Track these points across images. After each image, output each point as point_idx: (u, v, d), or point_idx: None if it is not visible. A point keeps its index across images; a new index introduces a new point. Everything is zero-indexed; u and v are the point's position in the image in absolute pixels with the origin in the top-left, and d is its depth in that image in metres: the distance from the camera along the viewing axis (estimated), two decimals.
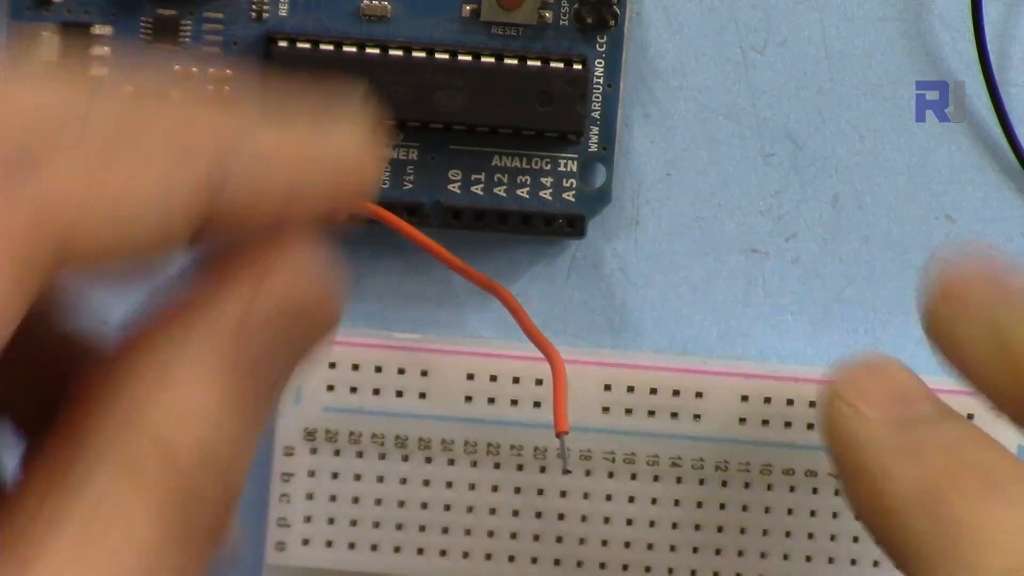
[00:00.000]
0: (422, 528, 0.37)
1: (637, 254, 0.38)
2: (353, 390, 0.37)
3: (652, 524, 0.37)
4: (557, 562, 0.37)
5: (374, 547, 0.37)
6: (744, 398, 0.37)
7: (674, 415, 0.37)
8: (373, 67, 0.36)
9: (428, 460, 0.37)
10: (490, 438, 0.37)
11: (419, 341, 0.37)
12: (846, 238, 0.38)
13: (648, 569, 0.37)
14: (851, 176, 0.38)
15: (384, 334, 0.37)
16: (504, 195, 0.37)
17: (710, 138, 0.38)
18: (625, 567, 0.37)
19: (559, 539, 0.37)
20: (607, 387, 0.37)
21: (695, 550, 0.37)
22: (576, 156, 0.37)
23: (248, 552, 0.37)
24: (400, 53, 0.36)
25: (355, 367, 0.37)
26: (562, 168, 0.37)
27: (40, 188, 0.21)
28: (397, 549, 0.37)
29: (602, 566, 0.37)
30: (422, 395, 0.37)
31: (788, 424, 0.37)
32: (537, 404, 0.37)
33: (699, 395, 0.37)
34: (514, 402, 0.37)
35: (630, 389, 0.37)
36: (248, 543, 0.37)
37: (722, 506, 0.37)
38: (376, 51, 0.36)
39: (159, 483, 0.22)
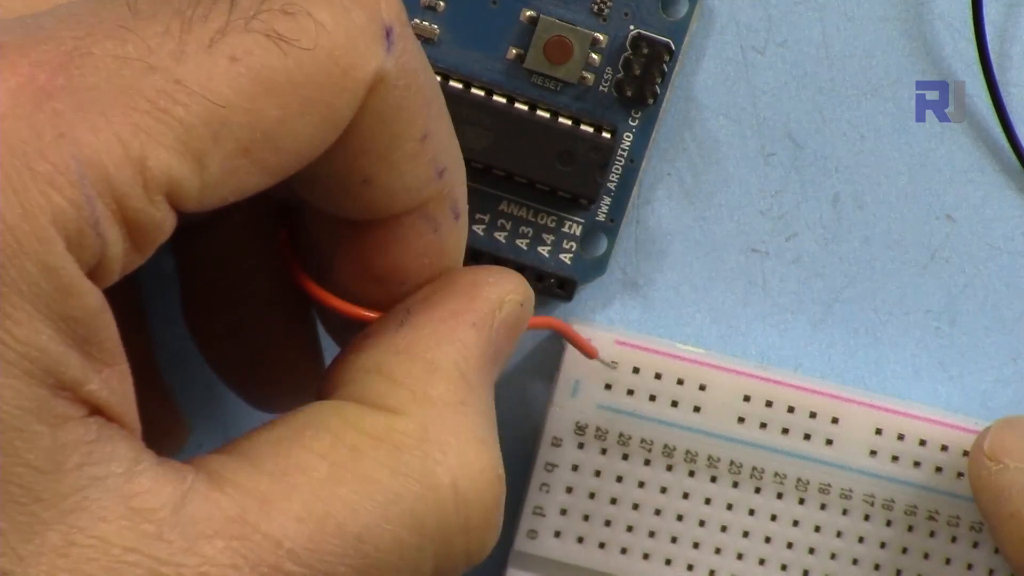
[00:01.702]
0: (673, 539, 0.37)
1: (637, 254, 0.38)
2: (630, 392, 0.37)
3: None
4: None
5: (624, 550, 0.37)
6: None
7: (807, 436, 0.37)
8: None
9: (691, 474, 0.37)
10: (755, 462, 0.37)
11: (702, 356, 0.37)
12: (846, 238, 0.38)
13: None
14: (851, 176, 0.38)
15: (669, 343, 0.37)
16: (503, 241, 0.37)
17: (710, 138, 0.38)
18: None
19: (806, 573, 0.38)
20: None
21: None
22: (583, 221, 0.37)
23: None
24: (437, 79, 0.36)
25: (635, 370, 0.37)
26: (566, 229, 0.37)
27: None
28: (646, 556, 0.37)
29: None
30: (696, 408, 0.37)
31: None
32: (807, 437, 0.37)
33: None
34: (785, 431, 0.37)
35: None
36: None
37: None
38: None
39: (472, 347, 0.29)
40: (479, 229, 0.37)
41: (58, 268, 0.24)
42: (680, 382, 0.37)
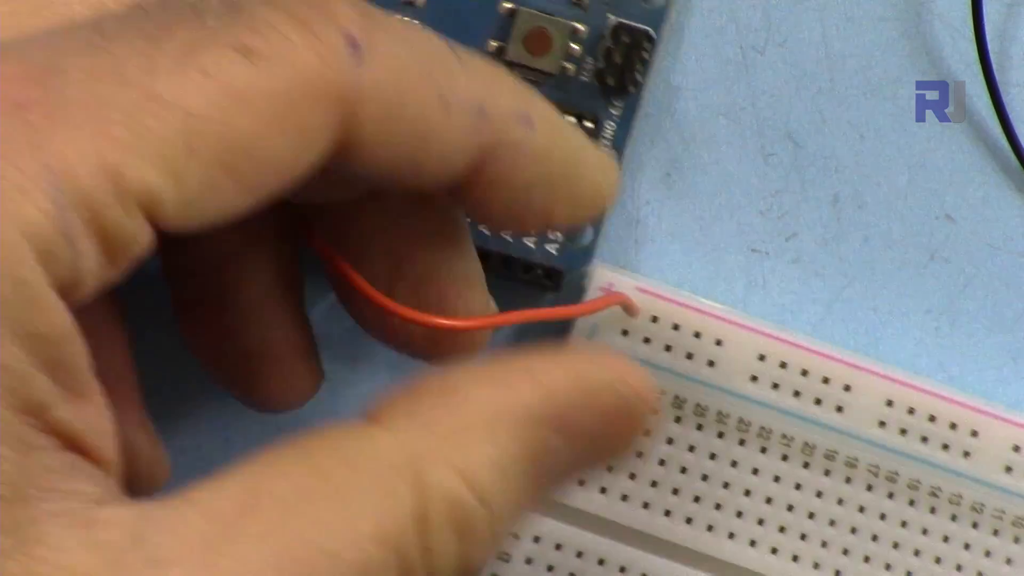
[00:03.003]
0: (675, 491, 0.37)
1: (638, 254, 0.38)
2: (646, 340, 0.37)
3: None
4: (795, 559, 0.37)
5: (624, 498, 0.37)
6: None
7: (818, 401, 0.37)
8: None
9: (699, 427, 0.37)
10: (764, 422, 0.37)
11: (722, 311, 0.37)
12: (846, 238, 0.38)
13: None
14: (851, 176, 0.38)
15: (690, 295, 0.37)
16: (488, 234, 0.37)
17: (710, 138, 0.38)
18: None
19: (824, 544, 0.37)
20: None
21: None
22: None
23: None
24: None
25: (654, 319, 0.37)
26: None
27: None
28: (646, 505, 0.37)
29: (816, 566, 0.37)
30: (711, 363, 0.37)
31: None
32: (818, 402, 0.37)
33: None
34: (796, 393, 0.37)
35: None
36: None
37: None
38: None
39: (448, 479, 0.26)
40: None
41: (27, 280, 0.23)
42: (697, 335, 0.37)
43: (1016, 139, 0.38)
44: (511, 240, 0.37)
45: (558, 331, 0.37)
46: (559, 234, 0.37)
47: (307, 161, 0.26)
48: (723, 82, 0.38)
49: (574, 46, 0.36)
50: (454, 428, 0.27)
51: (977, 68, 0.38)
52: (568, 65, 0.36)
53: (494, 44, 0.36)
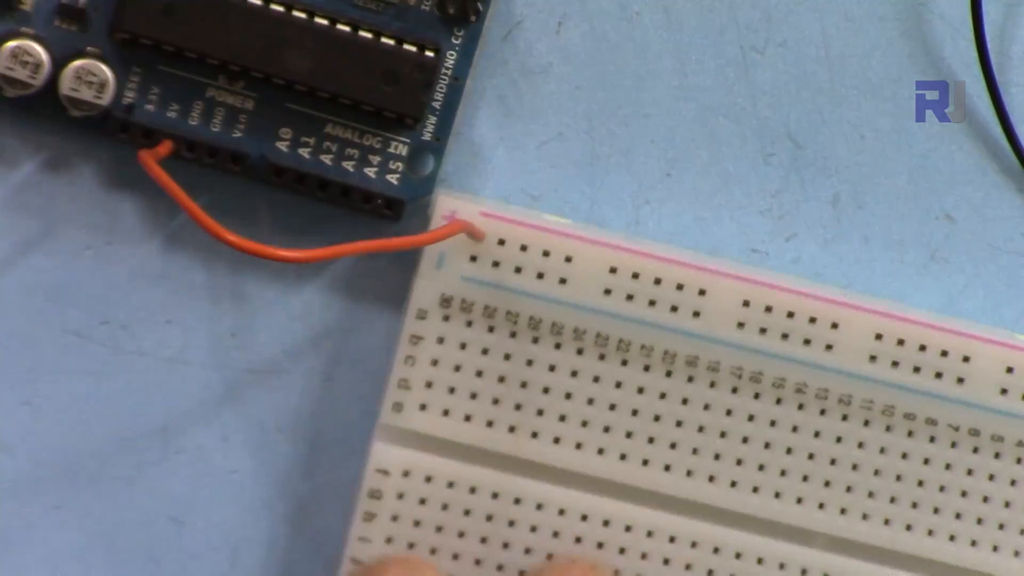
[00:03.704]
0: (540, 412, 0.37)
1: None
2: (495, 264, 0.37)
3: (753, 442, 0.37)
4: (667, 468, 0.37)
5: (490, 423, 0.37)
6: (878, 336, 0.37)
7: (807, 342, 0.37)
8: (229, 10, 0.35)
9: (557, 346, 0.37)
10: (622, 334, 0.37)
11: (569, 227, 0.37)
12: (846, 238, 0.38)
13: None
14: (851, 176, 0.38)
15: (535, 214, 0.37)
16: (330, 163, 0.37)
17: (710, 138, 0.38)
18: (733, 483, 0.37)
19: (673, 445, 0.37)
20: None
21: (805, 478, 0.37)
22: (408, 141, 0.37)
23: (363, 409, 0.38)
24: (259, 1, 0.35)
25: (501, 242, 0.36)
26: (392, 150, 0.37)
27: None
28: (512, 429, 0.37)
29: (689, 473, 0.37)
30: (563, 280, 0.37)
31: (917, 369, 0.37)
32: (674, 308, 0.37)
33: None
34: (652, 303, 0.37)
35: (768, 310, 0.37)
36: (365, 400, 0.38)
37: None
38: None
39: None
40: (305, 152, 0.37)
41: None
42: (546, 254, 0.37)
43: (1016, 139, 0.38)
44: (351, 170, 0.37)
45: (404, 261, 0.37)
46: (400, 164, 0.37)
47: None
48: (723, 82, 0.38)
49: None
50: None
51: (977, 68, 0.38)
52: None
53: None
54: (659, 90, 0.38)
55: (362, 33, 0.36)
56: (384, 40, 0.36)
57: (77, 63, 0.35)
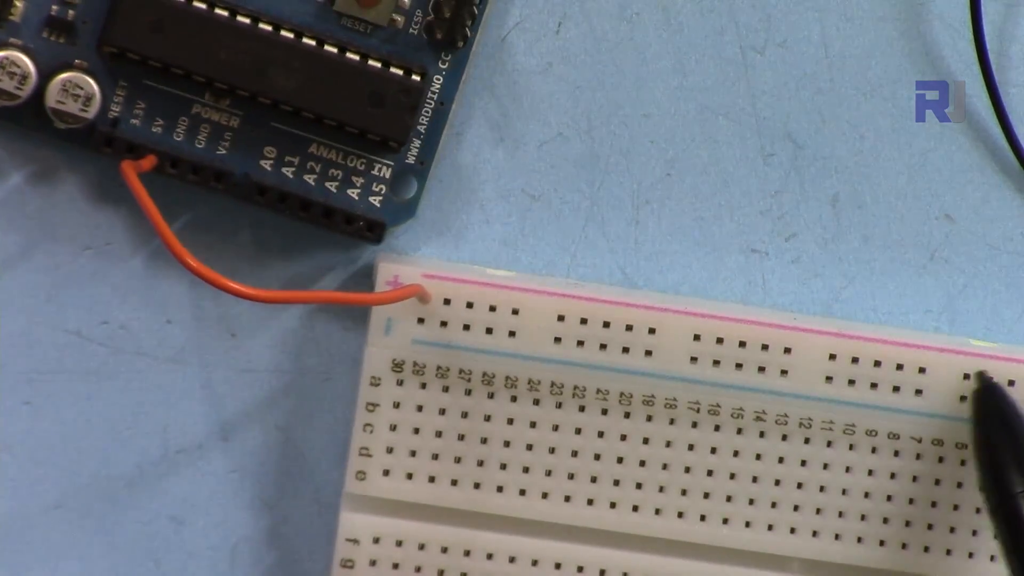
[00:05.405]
0: (503, 466, 0.37)
1: (637, 254, 0.38)
2: (443, 324, 0.37)
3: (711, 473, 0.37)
4: (635, 508, 0.37)
5: (454, 482, 0.37)
6: (832, 357, 0.37)
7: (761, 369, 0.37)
8: (217, 28, 0.35)
9: (513, 399, 0.37)
10: (576, 380, 0.37)
11: (512, 280, 0.37)
12: (846, 238, 0.38)
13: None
14: (851, 176, 0.38)
15: (478, 270, 0.37)
16: (312, 184, 0.37)
17: (710, 138, 0.38)
18: (702, 517, 0.37)
19: (639, 485, 0.37)
20: (696, 337, 0.37)
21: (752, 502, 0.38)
22: (392, 164, 0.37)
23: (329, 480, 0.38)
24: (247, 20, 0.36)
25: (447, 301, 0.37)
26: (376, 172, 0.37)
27: None
28: (477, 485, 0.37)
29: (657, 511, 0.37)
30: (512, 333, 0.37)
31: (874, 385, 0.37)
32: (626, 350, 0.37)
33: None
34: (603, 346, 0.37)
35: (719, 341, 0.37)
36: (329, 472, 0.38)
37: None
38: (225, 12, 0.35)
39: None
40: (289, 172, 0.37)
41: None
42: (492, 308, 0.37)
43: (1016, 139, 0.38)
44: (334, 191, 0.37)
45: (354, 314, 0.37)
46: (383, 186, 0.37)
47: None
48: (723, 82, 0.38)
49: None
50: None
51: (977, 68, 0.38)
52: (397, 17, 0.36)
53: None
54: (659, 90, 0.38)
55: (349, 55, 0.36)
56: (371, 63, 0.36)
57: (64, 76, 0.36)
